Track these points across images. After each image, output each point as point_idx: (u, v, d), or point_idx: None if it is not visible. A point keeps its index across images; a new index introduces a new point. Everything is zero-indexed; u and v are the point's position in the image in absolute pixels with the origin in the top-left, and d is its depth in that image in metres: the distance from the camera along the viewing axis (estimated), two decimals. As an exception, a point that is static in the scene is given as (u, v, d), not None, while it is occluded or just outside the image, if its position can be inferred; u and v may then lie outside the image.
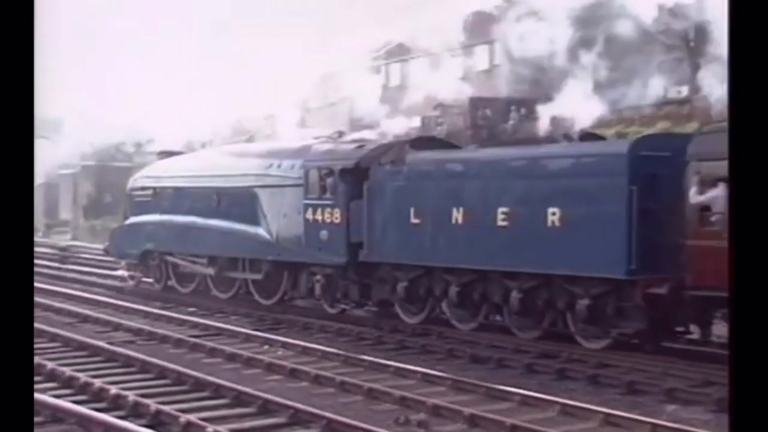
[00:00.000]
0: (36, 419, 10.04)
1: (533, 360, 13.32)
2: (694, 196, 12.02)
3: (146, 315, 18.26)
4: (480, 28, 42.91)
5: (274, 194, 18.14)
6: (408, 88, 42.09)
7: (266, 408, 10.50)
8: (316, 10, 23.24)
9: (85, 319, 17.97)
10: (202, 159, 21.81)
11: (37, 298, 20.61)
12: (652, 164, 12.73)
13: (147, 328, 16.34)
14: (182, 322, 17.35)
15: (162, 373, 12.44)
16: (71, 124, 29.47)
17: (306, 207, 17.20)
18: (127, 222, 22.80)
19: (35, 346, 14.76)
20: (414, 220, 15.41)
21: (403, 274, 15.86)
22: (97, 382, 11.45)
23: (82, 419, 9.82)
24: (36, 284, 23.50)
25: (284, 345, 14.78)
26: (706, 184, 11.87)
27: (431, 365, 13.07)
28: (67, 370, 12.24)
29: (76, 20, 25.35)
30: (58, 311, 19.00)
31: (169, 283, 21.43)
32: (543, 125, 16.40)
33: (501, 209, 14.11)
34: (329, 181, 16.84)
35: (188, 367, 12.60)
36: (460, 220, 14.75)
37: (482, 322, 15.18)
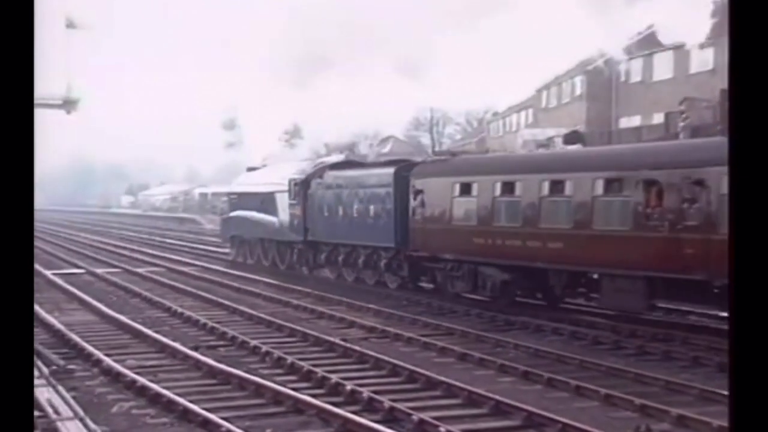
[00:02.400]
0: (277, 409, 10.38)
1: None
2: (410, 199, 20.92)
3: (377, 313, 18.56)
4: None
5: (282, 197, 27.25)
6: (650, 84, 40.41)
7: (499, 409, 10.28)
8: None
9: (321, 315, 18.52)
10: (258, 173, 31.59)
11: (273, 294, 21.64)
12: (409, 180, 21.21)
13: (379, 326, 16.58)
14: (413, 321, 17.48)
15: (394, 370, 12.53)
16: (308, 125, 32.87)
17: (290, 205, 26.60)
18: (227, 216, 33.02)
19: (274, 339, 15.38)
20: (326, 214, 24.70)
21: (325, 247, 25.25)
22: (334, 377, 11.68)
23: (321, 412, 10.03)
24: (266, 280, 24.78)
25: (516, 346, 14.51)
26: (414, 192, 20.83)
27: (674, 373, 12.33)
28: (306, 365, 12.59)
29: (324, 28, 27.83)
30: (296, 308, 19.69)
31: (249, 259, 30.30)
32: None
33: (355, 207, 23.27)
34: (296, 188, 26.18)
35: (419, 365, 12.62)
36: (341, 214, 23.94)
37: (357, 277, 23.78)
